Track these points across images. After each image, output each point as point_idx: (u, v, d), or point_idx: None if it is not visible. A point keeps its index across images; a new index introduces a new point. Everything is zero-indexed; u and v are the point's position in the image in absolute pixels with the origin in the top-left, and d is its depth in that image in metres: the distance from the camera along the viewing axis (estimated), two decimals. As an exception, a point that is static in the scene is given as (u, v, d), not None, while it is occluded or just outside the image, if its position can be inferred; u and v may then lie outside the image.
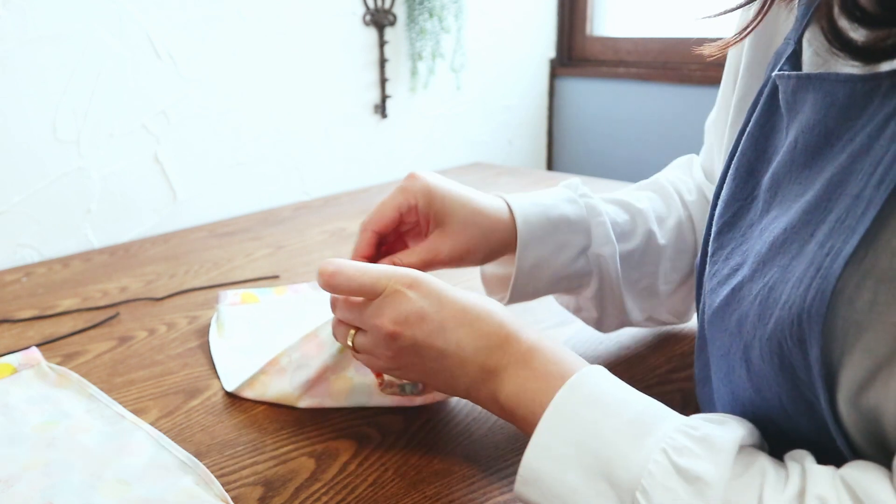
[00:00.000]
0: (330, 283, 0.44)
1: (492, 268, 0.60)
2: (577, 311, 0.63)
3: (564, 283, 0.57)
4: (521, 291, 0.56)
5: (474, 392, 0.44)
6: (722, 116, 0.57)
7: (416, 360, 0.44)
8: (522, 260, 0.54)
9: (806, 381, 0.32)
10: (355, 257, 0.53)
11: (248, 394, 0.59)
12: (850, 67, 0.35)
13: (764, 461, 0.33)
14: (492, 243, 0.54)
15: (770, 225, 0.37)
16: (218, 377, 0.63)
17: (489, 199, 0.55)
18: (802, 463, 0.33)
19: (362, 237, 0.53)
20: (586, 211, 0.57)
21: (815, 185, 0.34)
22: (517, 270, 0.54)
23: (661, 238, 0.59)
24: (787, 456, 0.34)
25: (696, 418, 0.36)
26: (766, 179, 0.39)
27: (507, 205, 0.55)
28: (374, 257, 0.53)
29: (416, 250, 0.52)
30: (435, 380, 0.45)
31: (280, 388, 0.57)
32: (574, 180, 0.59)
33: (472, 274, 0.64)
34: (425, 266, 0.52)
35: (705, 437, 0.33)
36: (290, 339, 0.57)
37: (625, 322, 0.62)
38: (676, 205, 0.62)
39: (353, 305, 0.46)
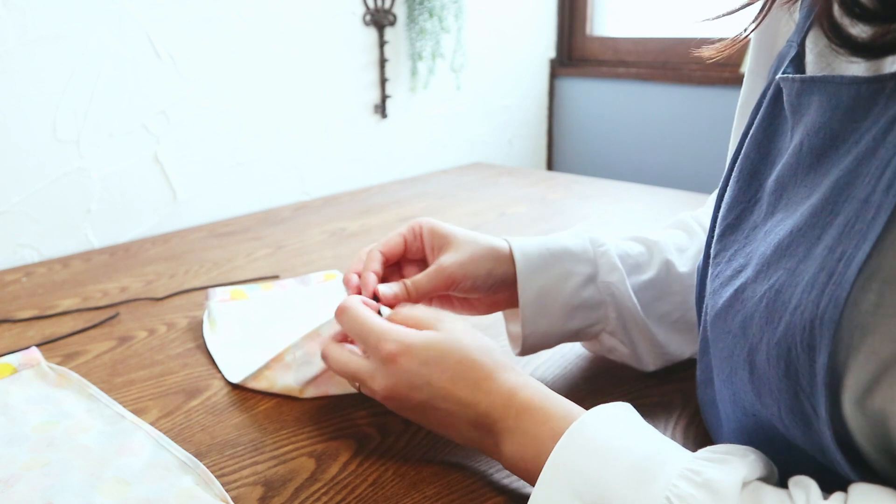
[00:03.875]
0: (339, 318, 0.49)
1: (514, 326, 0.59)
2: (609, 353, 0.61)
3: (580, 316, 0.56)
4: (534, 327, 0.55)
5: (480, 446, 0.45)
6: None
7: (415, 417, 0.47)
8: (525, 290, 0.54)
9: (808, 391, 0.32)
10: (365, 272, 0.53)
11: (254, 385, 0.59)
12: (854, 68, 0.35)
13: (768, 499, 0.33)
14: (494, 263, 0.54)
15: (775, 227, 0.37)
16: (219, 373, 0.63)
17: (487, 236, 0.56)
18: (808, 495, 0.32)
19: (371, 256, 0.54)
20: (589, 243, 0.56)
21: (821, 187, 0.34)
22: (521, 301, 0.54)
23: (682, 266, 0.57)
24: (793, 483, 0.34)
25: (699, 459, 0.36)
26: (771, 182, 0.39)
27: (507, 242, 0.56)
28: (383, 276, 0.55)
29: (426, 271, 0.53)
30: (438, 430, 0.47)
31: (285, 382, 0.58)
32: (581, 225, 0.59)
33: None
34: (435, 284, 0.52)
35: (707, 482, 0.33)
36: (286, 333, 0.58)
37: (669, 358, 0.59)
38: (699, 236, 0.60)
39: (349, 364, 0.48)
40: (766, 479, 0.35)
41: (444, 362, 0.44)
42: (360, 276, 0.54)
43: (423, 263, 0.57)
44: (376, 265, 0.54)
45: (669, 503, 0.33)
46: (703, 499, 0.33)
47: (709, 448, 0.37)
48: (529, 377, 0.45)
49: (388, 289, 0.52)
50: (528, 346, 0.56)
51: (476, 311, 0.58)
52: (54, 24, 0.97)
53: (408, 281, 0.53)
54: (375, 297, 0.52)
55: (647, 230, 0.61)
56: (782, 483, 0.35)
